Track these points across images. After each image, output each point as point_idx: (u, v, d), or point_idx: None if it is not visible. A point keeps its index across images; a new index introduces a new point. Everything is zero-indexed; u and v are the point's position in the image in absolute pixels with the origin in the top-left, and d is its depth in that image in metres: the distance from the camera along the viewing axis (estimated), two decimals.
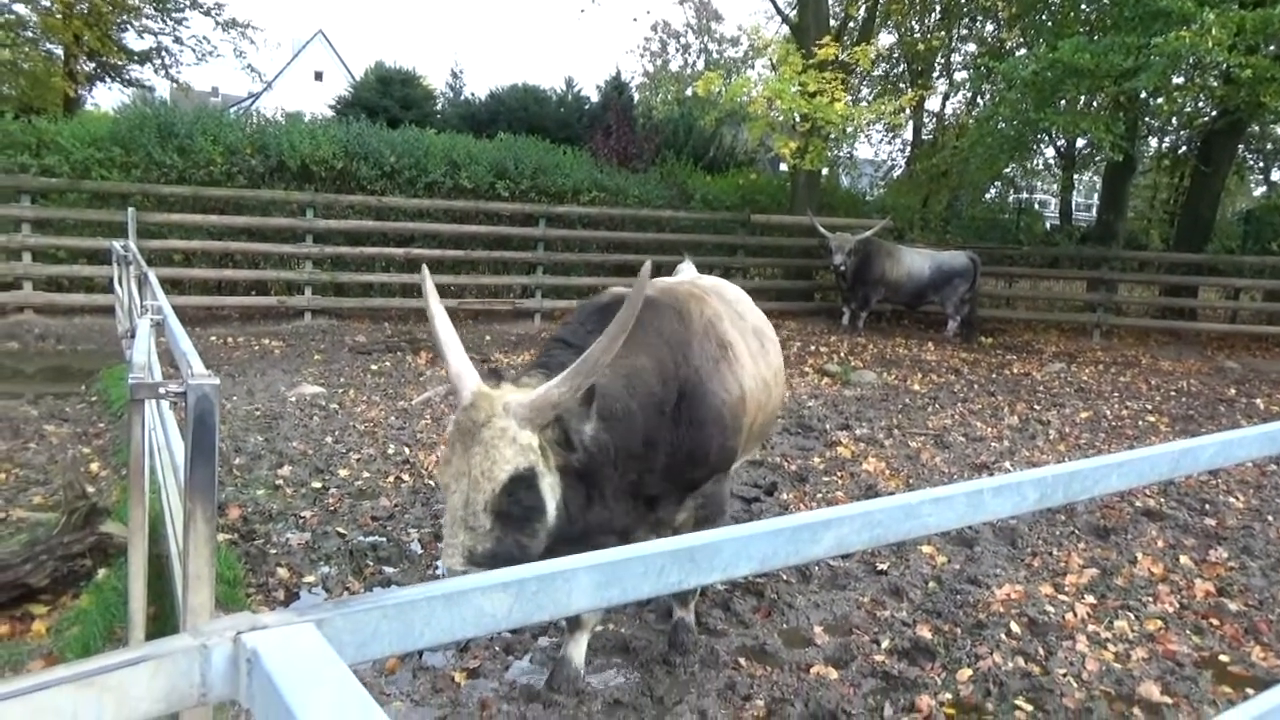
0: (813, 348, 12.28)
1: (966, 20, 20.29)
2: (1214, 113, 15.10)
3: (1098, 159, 18.57)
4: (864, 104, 16.87)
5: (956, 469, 6.83)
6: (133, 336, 4.57)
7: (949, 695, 3.62)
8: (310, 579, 4.43)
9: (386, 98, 23.29)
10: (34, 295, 11.15)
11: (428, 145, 13.81)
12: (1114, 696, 3.66)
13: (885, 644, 4.03)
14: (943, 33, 20.26)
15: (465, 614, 1.20)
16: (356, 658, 1.13)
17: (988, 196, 22.71)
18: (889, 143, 23.87)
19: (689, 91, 25.42)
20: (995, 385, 10.33)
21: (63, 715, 0.92)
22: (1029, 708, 3.54)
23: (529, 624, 1.26)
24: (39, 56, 18.81)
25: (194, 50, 21.41)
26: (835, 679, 3.71)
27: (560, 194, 14.35)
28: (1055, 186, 24.23)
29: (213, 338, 10.76)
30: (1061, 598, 4.59)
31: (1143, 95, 13.74)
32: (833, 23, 16.05)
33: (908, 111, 17.63)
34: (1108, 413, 9.10)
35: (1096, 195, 24.50)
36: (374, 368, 9.73)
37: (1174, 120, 16.75)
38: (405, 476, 6.02)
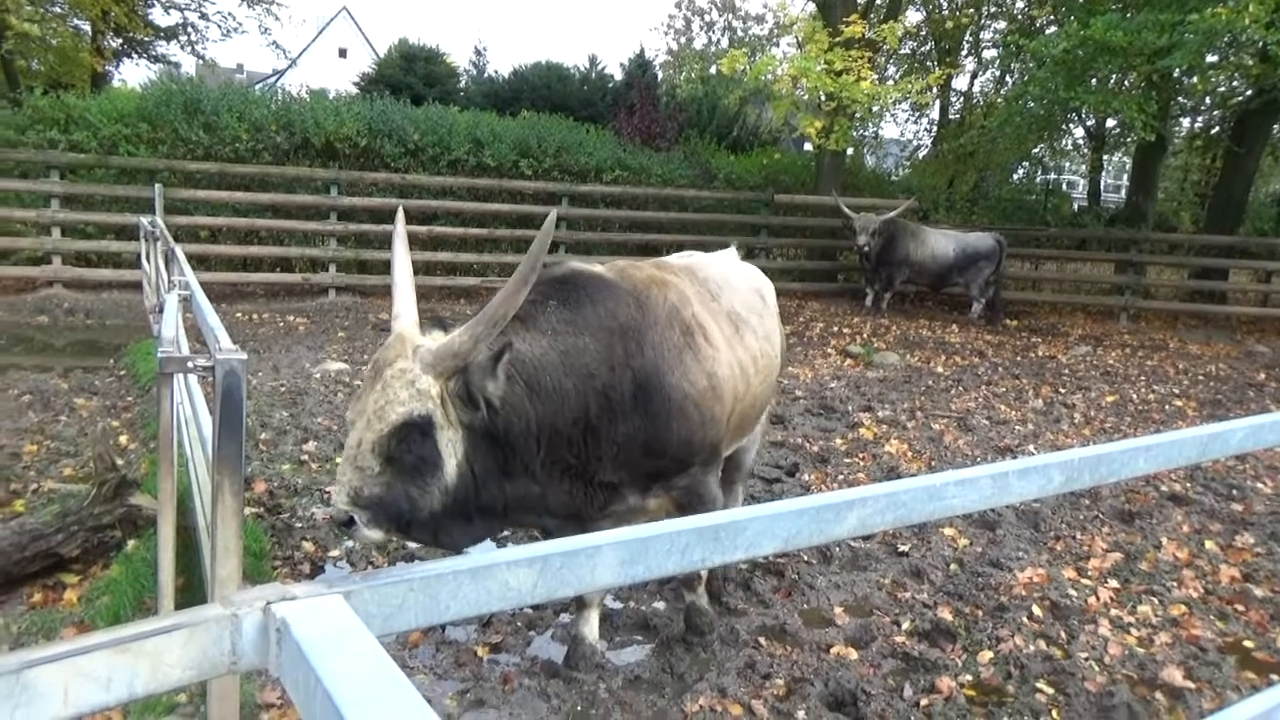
0: (836, 329, 12.22)
1: None
2: (1249, 92, 14.80)
3: (1128, 139, 18.27)
4: (890, 83, 16.66)
5: (980, 452, 6.79)
6: (161, 311, 4.63)
7: (970, 677, 3.62)
8: (335, 553, 4.49)
9: (410, 75, 23.28)
10: (63, 270, 11.29)
11: (451, 123, 13.82)
12: (1136, 680, 3.65)
13: (906, 625, 4.03)
14: (971, 10, 19.94)
15: (491, 588, 1.22)
16: (383, 630, 1.14)
17: (1015, 177, 22.44)
18: (915, 122, 23.58)
19: (713, 70, 25.26)
20: (1020, 368, 10.25)
21: (98, 680, 0.95)
22: (1050, 690, 3.54)
23: (554, 599, 1.27)
24: (67, 32, 18.93)
25: (220, 26, 21.48)
26: (855, 659, 3.72)
27: (583, 173, 14.32)
28: (1084, 167, 23.89)
29: (238, 314, 10.86)
30: (1085, 582, 4.57)
31: (1176, 74, 13.50)
32: (859, 0, 15.84)
33: (934, 90, 17.42)
34: (1134, 396, 9.01)
35: (1126, 176, 24.17)
36: None
37: (1207, 99, 16.42)
38: None
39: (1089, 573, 4.68)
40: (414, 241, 12.87)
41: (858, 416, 7.59)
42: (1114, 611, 4.25)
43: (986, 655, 3.78)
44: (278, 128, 12.68)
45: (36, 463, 5.37)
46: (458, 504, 2.54)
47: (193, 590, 3.48)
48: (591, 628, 3.55)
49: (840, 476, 6.05)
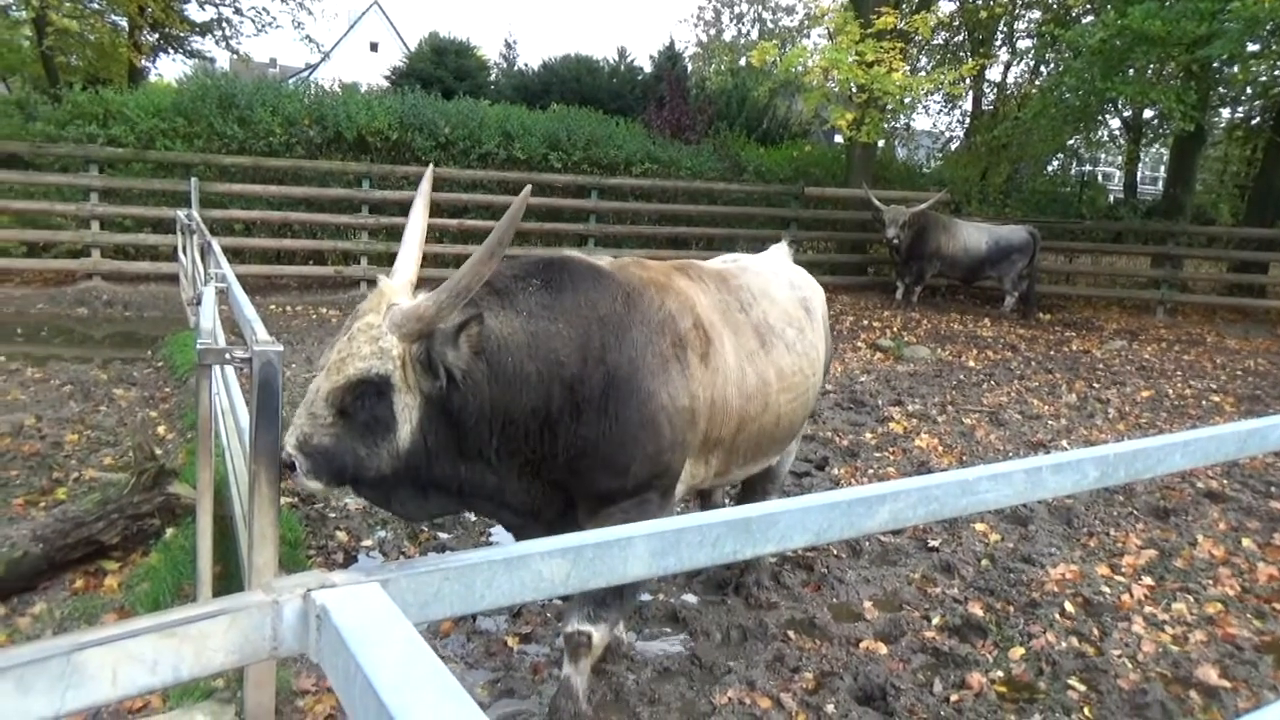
0: (866, 322, 12.14)
1: None
2: None
3: (1166, 130, 17.96)
4: (922, 74, 16.50)
5: (1012, 447, 6.73)
6: (198, 304, 4.70)
7: (1000, 673, 3.60)
8: (368, 543, 4.54)
9: (441, 68, 23.38)
10: (102, 262, 11.48)
11: (482, 116, 13.88)
12: (1170, 679, 3.61)
13: (936, 620, 4.01)
14: (1005, 0, 19.68)
15: (524, 578, 1.23)
16: (419, 618, 1.16)
17: (1049, 169, 22.11)
18: (947, 114, 23.33)
19: (743, 62, 25.15)
20: (1053, 362, 10.13)
21: (145, 662, 0.97)
22: (1082, 688, 3.51)
23: (586, 589, 1.28)
24: (105, 28, 19.20)
25: (254, 21, 21.68)
26: (885, 654, 3.71)
27: (612, 166, 14.33)
28: (1120, 159, 23.50)
29: (271, 306, 10.99)
30: (1118, 579, 4.52)
31: (1215, 64, 13.23)
32: None
33: (968, 81, 17.18)
34: (1170, 392, 8.88)
35: (1164, 168, 23.75)
36: None
37: (1248, 89, 16.08)
38: None
39: (1123, 569, 4.63)
40: (445, 234, 12.98)
41: (888, 410, 7.55)
42: (1148, 609, 4.21)
43: (1018, 651, 3.76)
44: (310, 122, 12.81)
45: (77, 452, 5.48)
46: (409, 471, 2.46)
47: (230, 578, 3.54)
48: (582, 679, 3.06)
49: (870, 471, 6.02)
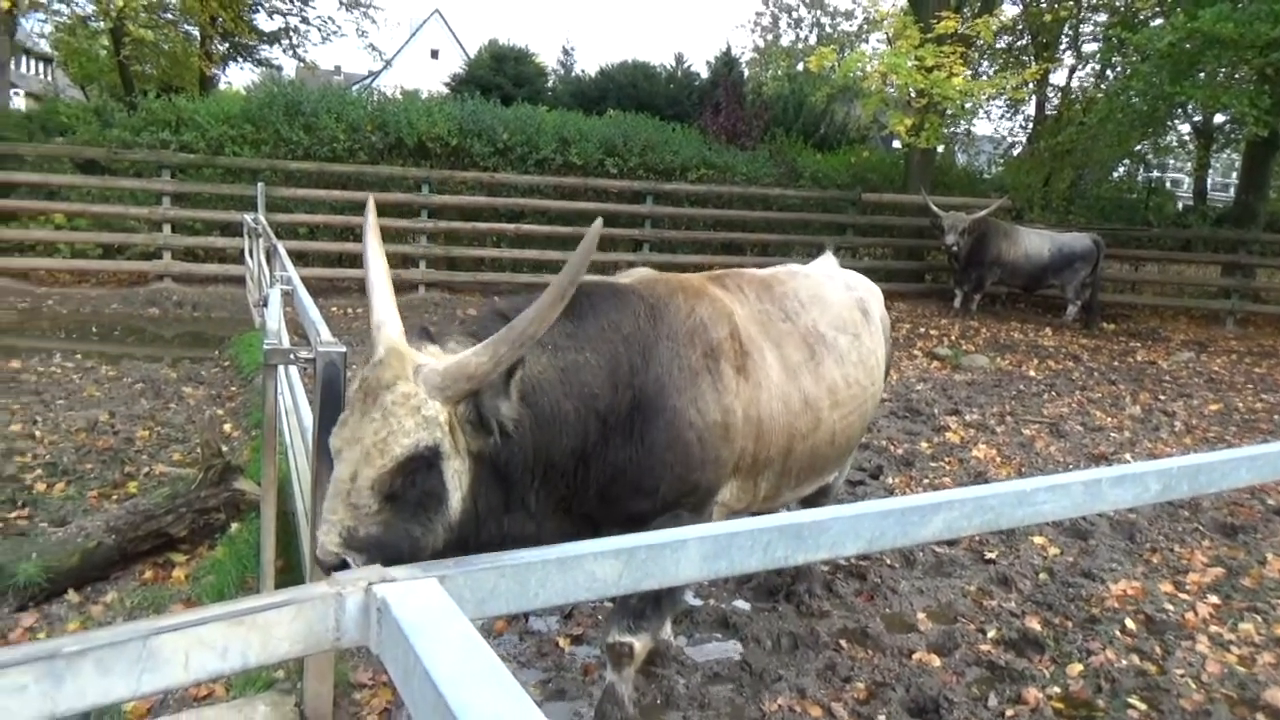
0: (922, 330, 11.99)
1: None
2: None
3: (1238, 135, 17.40)
4: (984, 78, 16.24)
5: (1073, 459, 6.59)
6: (264, 305, 4.83)
7: (1058, 689, 3.53)
8: None
9: (500, 75, 23.70)
10: (173, 264, 11.87)
11: (539, 122, 14.03)
12: (1236, 701, 3.50)
13: (991, 633, 3.95)
14: (1071, 2, 19.26)
15: (578, 578, 1.26)
16: (475, 613, 1.20)
17: (1115, 175, 21.57)
18: (1009, 118, 22.90)
19: (800, 67, 24.97)
20: (1117, 373, 9.88)
21: (216, 649, 1.02)
22: (1143, 706, 3.42)
23: (637, 590, 1.30)
24: (178, 37, 19.88)
25: (320, 30, 22.26)
26: (938, 666, 3.66)
27: (668, 171, 14.37)
28: (1190, 164, 22.84)
29: (333, 308, 11.22)
30: (1182, 596, 4.40)
31: None
32: None
33: (1031, 86, 16.87)
34: (1240, 405, 8.61)
35: (1235, 174, 23.01)
36: None
37: None
38: None
39: (1187, 587, 4.50)
40: (502, 239, 13.14)
41: (944, 420, 7.44)
42: (1213, 628, 4.09)
43: (1076, 668, 3.68)
44: (373, 128, 13.08)
45: (148, 447, 5.67)
46: (460, 541, 2.24)
47: (291, 572, 3.63)
48: (627, 685, 3.02)
49: (925, 480, 5.95)
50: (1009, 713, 3.34)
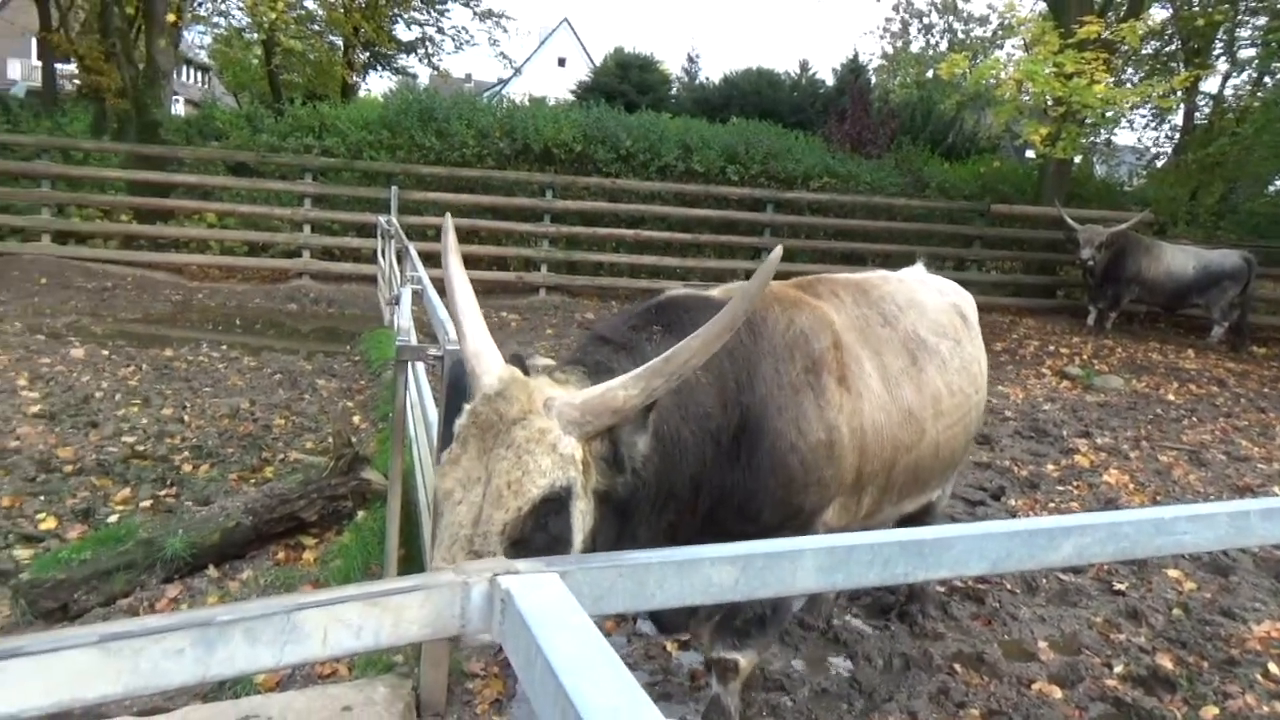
0: (1052, 348, 11.49)
1: None
2: None
3: None
4: (1128, 86, 15.46)
5: (1214, 489, 6.20)
6: (395, 303, 5.03)
7: None
8: None
9: (625, 82, 24.03)
10: (311, 263, 12.52)
11: (662, 129, 14.15)
12: None
13: (1118, 668, 3.76)
14: (1226, 5, 18.14)
15: (695, 581, 1.27)
16: (593, 609, 1.22)
17: (1271, 189, 20.18)
18: (1154, 128, 21.72)
19: (930, 74, 24.35)
20: (1267, 400, 9.24)
21: (351, 627, 1.07)
22: None
23: (754, 598, 1.30)
24: (323, 48, 20.95)
25: (453, 39, 23.06)
26: (1059, 699, 3.51)
27: (790, 179, 14.24)
28: None
29: None
30: None
31: None
32: None
33: (1179, 94, 15.98)
34: None
35: None
36: None
37: None
38: None
39: None
40: (621, 245, 13.28)
41: (1073, 442, 7.12)
42: None
43: (1211, 711, 3.46)
44: (501, 134, 13.46)
45: (284, 435, 5.99)
46: None
47: (412, 562, 3.77)
48: (734, 698, 2.95)
49: (1051, 504, 5.70)
50: None
